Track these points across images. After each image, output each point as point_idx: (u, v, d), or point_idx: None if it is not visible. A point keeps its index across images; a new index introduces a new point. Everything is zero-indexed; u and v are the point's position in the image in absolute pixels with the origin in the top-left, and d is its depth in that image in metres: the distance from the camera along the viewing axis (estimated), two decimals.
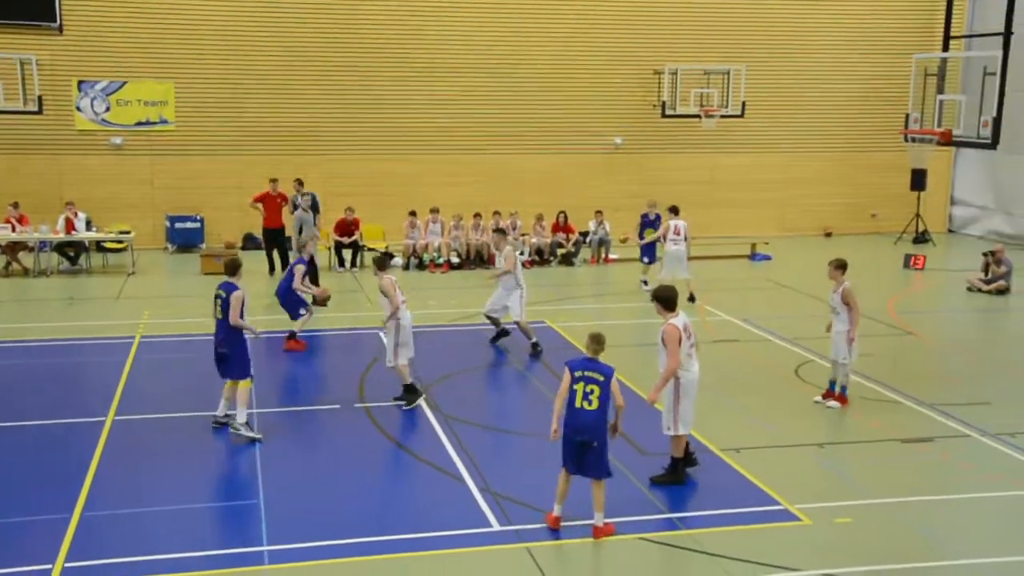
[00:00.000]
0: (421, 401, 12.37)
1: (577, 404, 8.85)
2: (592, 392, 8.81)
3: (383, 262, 12.71)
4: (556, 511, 9.02)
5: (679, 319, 9.83)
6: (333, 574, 8.17)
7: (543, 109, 26.27)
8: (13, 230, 21.33)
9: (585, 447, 8.84)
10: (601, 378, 8.84)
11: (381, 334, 12.72)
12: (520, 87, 26.07)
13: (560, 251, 23.82)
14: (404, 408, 12.25)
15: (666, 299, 9.85)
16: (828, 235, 28.23)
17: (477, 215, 23.25)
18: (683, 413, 9.95)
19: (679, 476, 10.08)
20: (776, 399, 13.03)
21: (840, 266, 12.75)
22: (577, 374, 8.88)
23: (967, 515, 9.62)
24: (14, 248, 21.51)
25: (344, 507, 9.51)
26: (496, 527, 9.01)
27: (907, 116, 24.94)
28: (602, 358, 9.06)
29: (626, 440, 11.18)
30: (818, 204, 28.38)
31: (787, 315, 17.96)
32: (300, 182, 21.74)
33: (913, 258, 23.23)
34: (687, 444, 10.21)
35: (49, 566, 8.08)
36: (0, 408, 12.20)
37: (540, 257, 23.64)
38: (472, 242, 23.04)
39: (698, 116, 25.82)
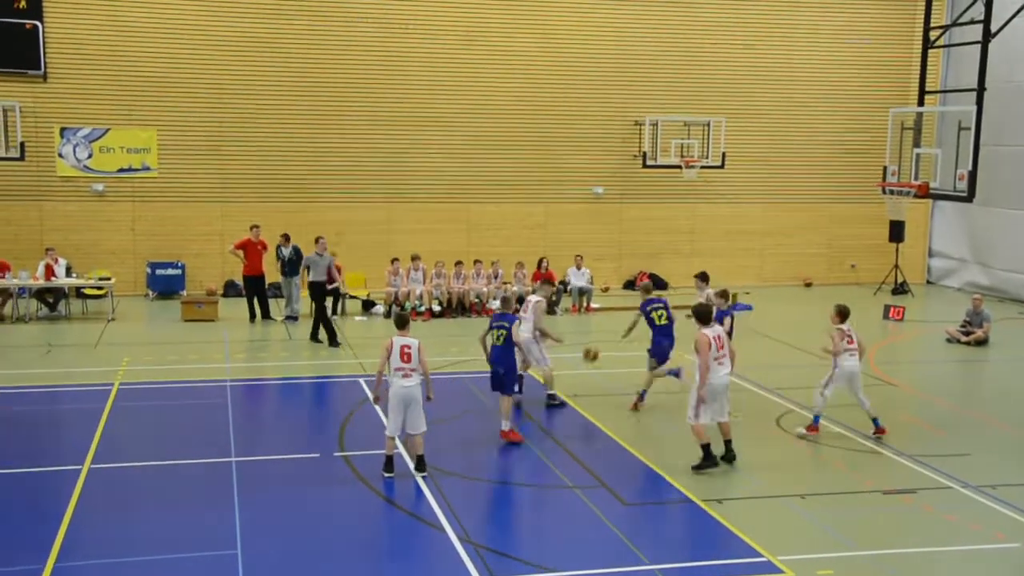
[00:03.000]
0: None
1: (491, 343, 13.04)
2: (501, 335, 12.83)
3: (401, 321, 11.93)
4: (504, 426, 12.99)
5: (710, 330, 11.90)
6: None
7: (525, 158, 26.47)
8: None
9: (497, 373, 12.88)
10: (507, 324, 12.86)
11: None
12: (502, 136, 26.27)
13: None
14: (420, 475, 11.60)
15: (700, 314, 12.09)
16: (808, 285, 28.41)
17: (459, 263, 23.28)
18: (704, 407, 11.83)
19: (711, 460, 11.86)
20: (758, 449, 13.01)
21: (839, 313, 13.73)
22: (494, 324, 13.01)
23: (949, 567, 9.59)
24: None
25: (323, 557, 9.39)
26: None
27: (884, 169, 25.26)
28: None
29: (609, 492, 11.15)
30: (798, 254, 28.62)
31: (768, 365, 18.00)
32: (287, 236, 21.97)
33: (892, 309, 23.38)
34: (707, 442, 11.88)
35: None
36: None
37: (521, 305, 23.61)
38: (454, 290, 23.04)
39: (679, 167, 26.06)
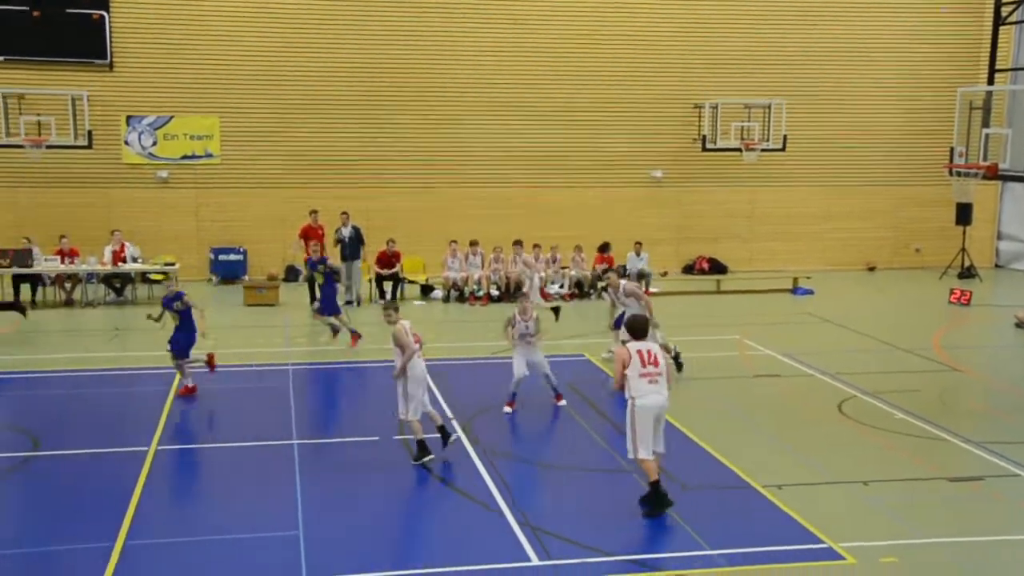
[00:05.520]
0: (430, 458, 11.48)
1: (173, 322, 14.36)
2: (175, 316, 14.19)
3: (394, 305, 11.84)
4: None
5: (636, 344, 10.01)
6: None
7: (583, 142, 26.38)
8: (62, 261, 21.73)
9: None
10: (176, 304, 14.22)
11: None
12: (560, 120, 26.21)
13: (600, 283, 23.75)
14: (413, 463, 11.43)
15: (633, 327, 10.31)
16: (871, 269, 27.96)
17: (517, 242, 23.16)
18: (639, 438, 9.80)
19: (662, 499, 9.84)
20: (819, 435, 12.86)
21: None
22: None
23: (1017, 556, 9.39)
24: (63, 279, 21.92)
25: (383, 539, 9.48)
26: (535, 561, 8.93)
27: (952, 150, 24.67)
28: None
29: (668, 476, 11.08)
30: (861, 238, 28.16)
31: (830, 350, 17.76)
32: (346, 215, 22.18)
33: (958, 293, 22.90)
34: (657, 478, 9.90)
35: None
36: (46, 437, 12.35)
37: (580, 290, 23.62)
38: (512, 274, 23.06)
39: (739, 150, 25.76)
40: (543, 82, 26.01)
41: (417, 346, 11.50)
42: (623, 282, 15.70)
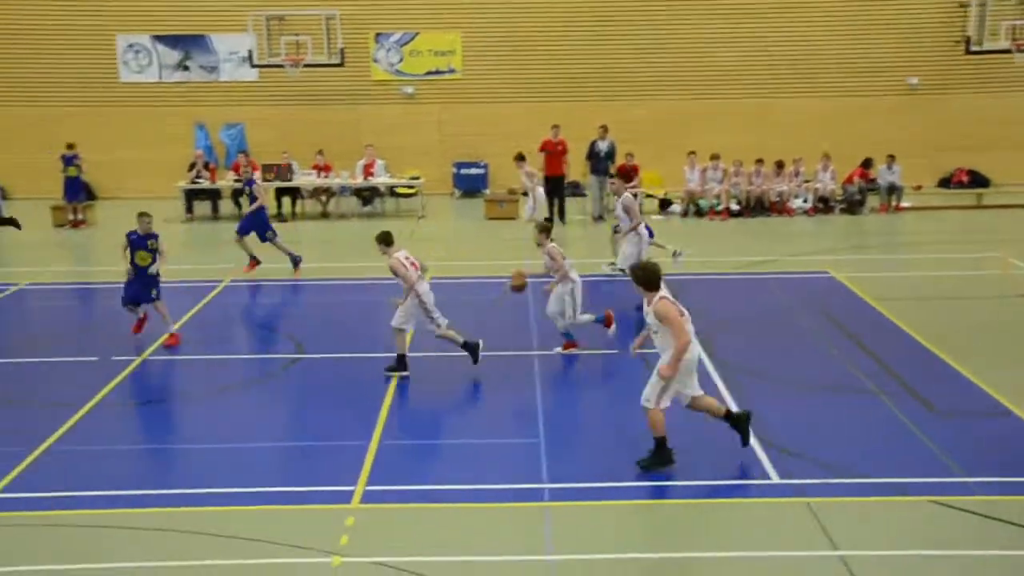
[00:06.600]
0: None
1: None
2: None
3: (387, 238, 11.78)
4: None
5: (667, 295, 8.85)
6: (611, 516, 8.31)
7: (831, 47, 25.06)
8: (318, 176, 23.05)
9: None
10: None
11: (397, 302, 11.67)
12: (805, 24, 24.98)
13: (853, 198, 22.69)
14: (386, 372, 11.64)
15: (643, 278, 8.88)
16: None
17: (759, 161, 22.54)
18: (668, 390, 8.88)
19: (665, 456, 9.01)
20: None
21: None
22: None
23: None
24: (319, 192, 23.30)
25: (622, 450, 9.59)
26: (776, 480, 8.81)
27: None
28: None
29: (916, 398, 10.61)
30: None
31: None
32: (604, 127, 22.05)
33: None
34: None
35: (352, 488, 8.73)
36: (308, 341, 13.26)
37: (824, 204, 22.69)
38: (753, 189, 22.43)
39: (1009, 51, 23.63)
40: None
41: (418, 273, 11.56)
42: (626, 193, 14.91)
